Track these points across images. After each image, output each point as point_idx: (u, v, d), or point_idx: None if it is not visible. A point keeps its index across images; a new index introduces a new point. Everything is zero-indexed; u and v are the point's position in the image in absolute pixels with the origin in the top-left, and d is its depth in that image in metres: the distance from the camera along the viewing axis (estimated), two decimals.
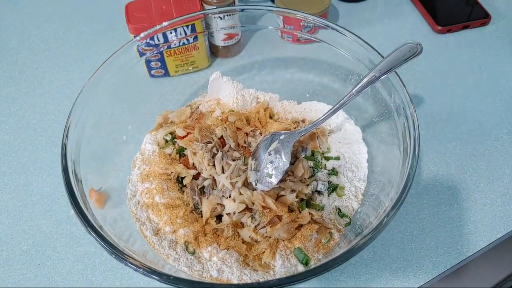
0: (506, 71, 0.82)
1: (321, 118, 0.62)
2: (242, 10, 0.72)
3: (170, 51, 0.77)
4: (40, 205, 0.67)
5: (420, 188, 0.67)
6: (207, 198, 0.60)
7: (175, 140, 0.68)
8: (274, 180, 0.59)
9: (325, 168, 0.65)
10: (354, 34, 0.65)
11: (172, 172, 0.63)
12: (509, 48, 0.86)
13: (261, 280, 0.54)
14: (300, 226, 0.58)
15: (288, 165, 0.60)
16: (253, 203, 0.58)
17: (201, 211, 0.60)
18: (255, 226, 0.57)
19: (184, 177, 0.63)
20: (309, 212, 0.58)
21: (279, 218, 0.57)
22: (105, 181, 0.59)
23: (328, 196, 0.63)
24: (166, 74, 0.82)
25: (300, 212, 0.59)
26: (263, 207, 0.57)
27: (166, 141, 0.68)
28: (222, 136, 0.65)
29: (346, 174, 0.65)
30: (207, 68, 0.84)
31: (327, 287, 0.58)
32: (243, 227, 0.58)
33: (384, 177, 0.60)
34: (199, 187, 0.62)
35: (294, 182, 0.61)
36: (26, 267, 0.60)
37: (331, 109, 0.62)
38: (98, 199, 0.55)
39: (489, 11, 0.92)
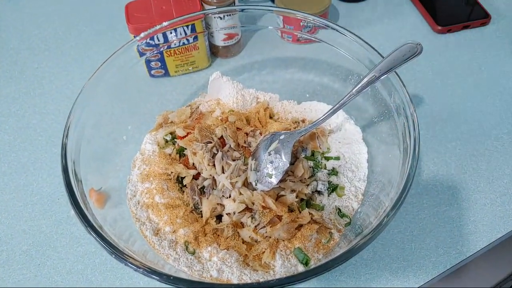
0: (506, 71, 0.82)
1: (321, 118, 0.62)
2: (242, 10, 0.72)
3: (170, 51, 0.77)
4: (40, 205, 0.67)
5: (420, 188, 0.67)
6: (207, 198, 0.60)
7: (175, 140, 0.68)
8: (274, 180, 0.59)
9: (325, 168, 0.65)
10: (354, 34, 0.65)
11: (172, 172, 0.63)
12: (509, 48, 0.86)
13: (261, 280, 0.54)
14: (300, 226, 0.58)
15: (288, 165, 0.60)
16: (253, 203, 0.58)
17: (201, 211, 0.60)
18: (255, 226, 0.57)
19: (184, 177, 0.63)
20: (309, 212, 0.58)
21: (279, 218, 0.57)
22: (105, 181, 0.59)
23: (328, 196, 0.63)
24: (166, 74, 0.82)
25: (300, 212, 0.59)
26: (263, 207, 0.57)
27: (166, 141, 0.68)
28: (222, 136, 0.65)
29: (346, 174, 0.65)
30: (207, 68, 0.84)
31: (327, 287, 0.58)
32: (243, 227, 0.58)
33: (384, 177, 0.60)
34: (199, 187, 0.62)
35: (294, 182, 0.61)
36: (26, 267, 0.60)
37: (331, 109, 0.62)
38: (98, 199, 0.55)
39: (489, 11, 0.92)
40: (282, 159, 0.60)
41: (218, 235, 0.58)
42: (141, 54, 0.69)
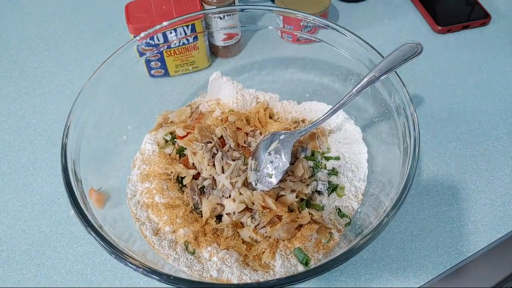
0: (506, 71, 0.82)
1: (321, 118, 0.62)
2: (242, 10, 0.72)
3: (170, 51, 0.77)
4: (40, 205, 0.66)
5: (420, 188, 0.67)
6: (207, 198, 0.60)
7: (175, 140, 0.68)
8: (274, 180, 0.59)
9: (325, 168, 0.65)
10: (354, 34, 0.65)
11: (172, 172, 0.63)
12: (509, 48, 0.86)
13: (261, 280, 0.54)
14: (300, 226, 0.58)
15: (288, 165, 0.60)
16: (253, 203, 0.58)
17: (201, 211, 0.60)
18: (255, 226, 0.57)
19: (184, 177, 0.63)
20: (309, 212, 0.58)
21: (279, 218, 0.57)
22: (105, 181, 0.59)
23: (328, 196, 0.63)
24: (166, 74, 0.82)
25: (300, 212, 0.59)
26: (263, 207, 0.57)
27: (166, 141, 0.68)
28: (222, 136, 0.65)
29: (346, 174, 0.65)
30: (207, 68, 0.84)
31: (327, 287, 0.58)
32: (243, 227, 0.58)
33: (384, 177, 0.60)
34: (199, 187, 0.62)
35: (294, 182, 0.61)
36: (26, 267, 0.60)
37: (331, 109, 0.62)
38: (98, 199, 0.55)
39: (489, 11, 0.92)
40: (282, 159, 0.60)
41: (218, 235, 0.58)
42: (141, 54, 0.69)
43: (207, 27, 0.77)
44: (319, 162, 0.66)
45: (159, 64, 0.79)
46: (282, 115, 0.73)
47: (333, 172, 0.65)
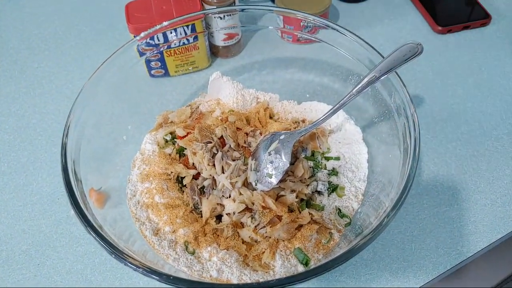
0: (507, 72, 0.82)
1: (321, 118, 0.62)
2: (242, 10, 0.72)
3: (170, 51, 0.77)
4: (39, 205, 0.66)
5: (420, 188, 0.66)
6: (207, 198, 0.60)
7: (175, 140, 0.68)
8: (274, 180, 0.59)
9: (325, 168, 0.65)
10: (355, 34, 0.65)
11: (172, 172, 0.63)
12: (510, 49, 0.86)
13: (261, 280, 0.54)
14: (300, 226, 0.58)
15: (288, 165, 0.60)
16: (253, 203, 0.58)
17: (201, 211, 0.60)
18: (255, 226, 0.57)
19: (184, 177, 0.63)
20: (309, 212, 0.58)
21: (279, 218, 0.57)
22: (105, 181, 0.59)
23: (328, 196, 0.63)
24: (166, 74, 0.82)
25: (300, 212, 0.59)
26: (263, 207, 0.57)
27: (166, 141, 0.68)
28: (222, 136, 0.65)
29: (346, 174, 0.65)
30: (207, 68, 0.84)
31: (327, 287, 0.58)
32: (243, 227, 0.58)
33: (384, 178, 0.60)
34: (199, 187, 0.62)
35: (294, 182, 0.61)
36: (26, 267, 0.60)
37: (331, 109, 0.62)
38: (98, 199, 0.55)
39: (489, 11, 0.92)
40: (282, 159, 0.60)
41: (218, 235, 0.58)
42: (141, 54, 0.69)
43: (207, 27, 0.77)
44: (319, 162, 0.66)
45: (159, 64, 0.79)
46: (282, 115, 0.73)
47: (333, 172, 0.65)
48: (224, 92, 0.73)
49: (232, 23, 0.77)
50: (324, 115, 0.62)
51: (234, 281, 0.53)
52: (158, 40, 0.71)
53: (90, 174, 0.56)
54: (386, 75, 0.57)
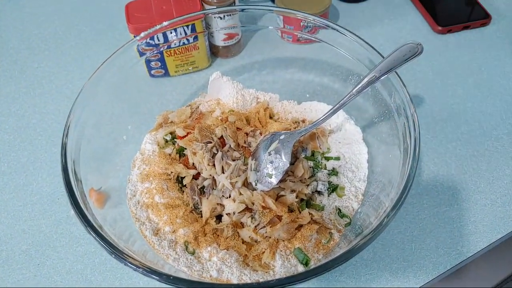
0: (507, 72, 0.82)
1: (321, 118, 0.62)
2: (242, 10, 0.72)
3: (170, 51, 0.77)
4: (39, 205, 0.66)
5: (420, 188, 0.66)
6: (207, 198, 0.60)
7: (175, 140, 0.68)
8: (274, 180, 0.59)
9: (325, 168, 0.65)
10: (355, 34, 0.65)
11: (172, 172, 0.63)
12: (510, 49, 0.86)
13: (261, 280, 0.54)
14: (300, 226, 0.58)
15: (288, 165, 0.60)
16: (253, 203, 0.58)
17: (201, 211, 0.60)
18: (255, 226, 0.57)
19: (184, 177, 0.63)
20: (309, 212, 0.58)
21: (279, 218, 0.57)
22: (105, 181, 0.59)
23: (328, 196, 0.63)
24: (166, 74, 0.82)
25: (300, 212, 0.59)
26: (263, 207, 0.57)
27: (166, 141, 0.68)
28: (222, 136, 0.65)
29: (346, 174, 0.65)
30: (207, 68, 0.84)
31: (327, 287, 0.58)
32: (243, 227, 0.58)
33: (384, 178, 0.60)
34: (199, 187, 0.62)
35: (294, 182, 0.61)
36: (26, 267, 0.60)
37: (331, 109, 0.62)
38: (98, 199, 0.55)
39: (489, 11, 0.92)
40: (282, 159, 0.60)
41: (218, 235, 0.58)
42: (141, 54, 0.69)
43: (207, 27, 0.77)
44: (319, 162, 0.66)
45: (159, 64, 0.79)
46: (282, 115, 0.73)
47: (333, 172, 0.65)
48: (224, 92, 0.73)
49: (232, 23, 0.77)
50: (324, 115, 0.62)
51: (234, 281, 0.53)
52: (158, 40, 0.71)
53: (90, 174, 0.56)
54: (386, 75, 0.57)
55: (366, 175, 0.65)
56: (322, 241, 0.57)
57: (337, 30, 0.66)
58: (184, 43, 0.76)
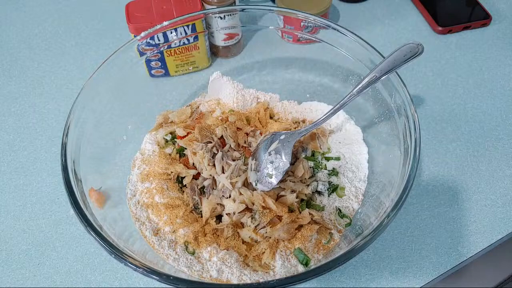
0: (507, 72, 0.82)
1: (322, 118, 0.62)
2: (243, 10, 0.72)
3: (170, 50, 0.77)
4: (39, 205, 0.66)
5: (421, 188, 0.66)
6: (207, 198, 0.60)
7: (175, 140, 0.68)
8: (274, 180, 0.59)
9: (326, 169, 0.65)
10: (355, 34, 0.65)
11: (172, 172, 0.63)
12: (510, 49, 0.86)
13: (261, 280, 0.54)
14: (300, 226, 0.58)
15: (289, 165, 0.60)
16: (253, 203, 0.58)
17: (201, 211, 0.60)
18: (255, 226, 0.57)
19: (184, 177, 0.63)
20: (309, 213, 0.58)
21: (279, 218, 0.57)
22: (105, 180, 0.59)
23: (329, 196, 0.63)
24: (166, 74, 0.82)
25: (300, 213, 0.59)
26: (263, 207, 0.57)
27: (166, 141, 0.68)
28: (222, 136, 0.65)
29: (347, 174, 0.65)
30: (207, 68, 0.84)
31: None
32: (243, 227, 0.58)
33: (385, 178, 0.60)
34: (199, 187, 0.62)
35: (294, 182, 0.61)
36: (25, 267, 0.60)
37: (331, 109, 0.62)
38: (98, 198, 0.55)
39: (490, 11, 0.92)
40: (282, 159, 0.60)
41: (218, 235, 0.58)
42: (141, 54, 0.69)
43: (207, 27, 0.77)
44: (319, 162, 0.66)
45: (159, 64, 0.79)
46: (283, 115, 0.73)
47: (334, 172, 0.65)
48: (224, 92, 0.73)
49: (233, 23, 0.77)
50: (324, 115, 0.62)
51: (234, 281, 0.53)
52: (158, 40, 0.71)
53: (90, 174, 0.56)
54: (386, 75, 0.57)
55: (367, 175, 0.65)
56: (322, 241, 0.57)
57: (338, 30, 0.66)
58: (184, 43, 0.76)
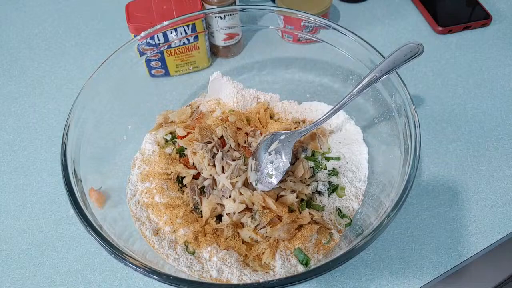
0: (507, 72, 0.82)
1: (322, 118, 0.62)
2: (243, 9, 0.72)
3: (170, 50, 0.77)
4: (39, 205, 0.66)
5: (421, 188, 0.66)
6: (207, 198, 0.60)
7: (175, 139, 0.68)
8: (275, 180, 0.59)
9: (326, 169, 0.65)
10: (355, 34, 0.65)
11: (172, 172, 0.63)
12: (510, 49, 0.86)
13: (261, 280, 0.54)
14: (300, 226, 0.58)
15: (289, 165, 0.60)
16: (253, 203, 0.58)
17: (201, 211, 0.60)
18: (255, 226, 0.57)
19: (184, 177, 0.63)
20: (309, 213, 0.58)
21: (279, 218, 0.57)
22: (105, 180, 0.59)
23: (329, 196, 0.63)
24: (166, 74, 0.82)
25: (300, 213, 0.59)
26: (263, 207, 0.57)
27: (166, 141, 0.68)
28: (222, 136, 0.65)
29: (347, 174, 0.65)
30: (207, 68, 0.84)
31: None
32: (243, 227, 0.58)
33: (385, 178, 0.60)
34: (199, 187, 0.62)
35: (294, 182, 0.61)
36: (25, 267, 0.60)
37: (331, 109, 0.62)
38: (98, 198, 0.55)
39: (490, 11, 0.92)
40: (282, 159, 0.60)
41: (218, 235, 0.58)
42: (141, 54, 0.69)
43: (207, 27, 0.77)
44: (319, 162, 0.66)
45: (160, 64, 0.79)
46: (283, 115, 0.73)
47: (334, 172, 0.65)
48: (224, 92, 0.73)
49: (233, 23, 0.77)
50: (324, 115, 0.62)
51: (234, 281, 0.53)
52: (159, 40, 0.71)
53: (90, 174, 0.56)
54: (386, 75, 0.57)
55: (367, 175, 0.65)
56: (322, 241, 0.57)
57: (338, 30, 0.66)
58: (184, 43, 0.76)
